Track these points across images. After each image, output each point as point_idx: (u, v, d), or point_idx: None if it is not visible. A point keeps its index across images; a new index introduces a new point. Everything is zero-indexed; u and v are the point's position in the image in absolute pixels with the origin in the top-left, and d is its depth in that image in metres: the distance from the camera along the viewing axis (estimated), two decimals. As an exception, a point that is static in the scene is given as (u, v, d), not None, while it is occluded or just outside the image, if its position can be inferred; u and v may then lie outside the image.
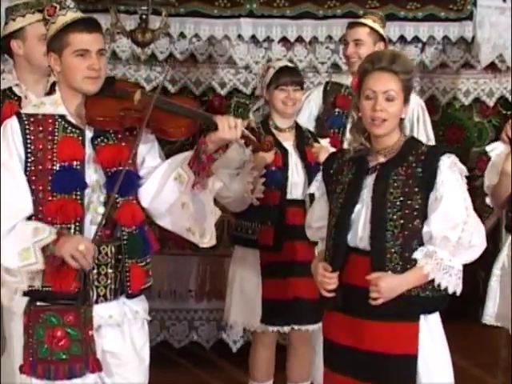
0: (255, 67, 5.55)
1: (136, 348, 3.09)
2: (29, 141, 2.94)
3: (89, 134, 3.00)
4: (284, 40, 5.54)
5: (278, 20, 5.48)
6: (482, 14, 5.50)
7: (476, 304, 5.62)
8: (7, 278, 2.93)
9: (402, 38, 5.51)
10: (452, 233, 2.88)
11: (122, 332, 3.06)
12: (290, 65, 4.15)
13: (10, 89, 3.68)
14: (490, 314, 4.12)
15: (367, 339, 2.90)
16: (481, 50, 5.52)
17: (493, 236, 5.11)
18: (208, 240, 3.09)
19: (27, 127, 2.95)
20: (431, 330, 2.95)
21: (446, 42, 5.60)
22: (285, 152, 4.02)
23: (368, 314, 2.89)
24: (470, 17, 5.52)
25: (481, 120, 5.77)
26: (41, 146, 2.94)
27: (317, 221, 3.18)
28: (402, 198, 2.89)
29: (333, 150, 3.85)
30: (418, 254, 2.89)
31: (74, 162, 2.94)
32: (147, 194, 3.07)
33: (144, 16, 4.95)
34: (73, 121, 2.99)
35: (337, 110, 4.49)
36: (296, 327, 4.05)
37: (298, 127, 4.14)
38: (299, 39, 5.54)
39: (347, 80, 4.58)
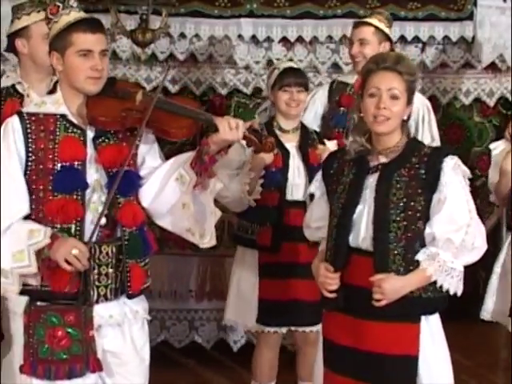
0: (255, 67, 5.55)
1: (136, 347, 3.09)
2: (30, 140, 2.93)
3: (90, 133, 2.99)
4: (284, 40, 5.54)
5: (278, 20, 5.49)
6: (482, 13, 5.51)
7: (476, 304, 5.64)
8: (1, 279, 2.90)
9: (402, 38, 5.51)
10: (455, 235, 2.88)
11: (123, 332, 3.05)
12: (294, 66, 4.14)
13: (13, 86, 3.68)
14: (488, 310, 4.15)
15: (368, 340, 2.90)
16: (481, 49, 5.53)
17: (493, 236, 5.12)
18: (208, 240, 3.09)
19: (28, 126, 2.94)
20: (432, 330, 2.95)
21: (447, 41, 5.60)
22: (286, 153, 4.02)
23: (369, 315, 2.89)
24: (471, 17, 5.53)
25: (481, 120, 5.77)
26: (42, 146, 2.93)
27: (316, 221, 3.17)
28: (405, 200, 2.89)
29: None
30: (420, 256, 2.89)
31: (76, 162, 2.94)
32: (148, 194, 3.07)
33: (144, 16, 4.96)
34: (74, 120, 2.98)
35: (341, 109, 4.49)
36: (294, 329, 4.05)
37: (303, 128, 4.13)
38: (299, 39, 5.54)
39: (352, 79, 4.57)
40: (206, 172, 2.96)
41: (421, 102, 4.44)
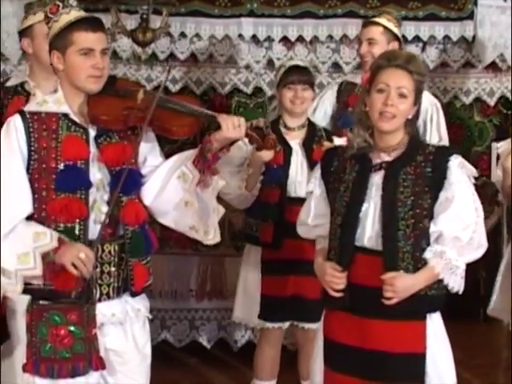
0: (256, 67, 5.56)
1: (138, 346, 3.08)
2: (32, 139, 2.92)
3: (92, 132, 2.99)
4: (285, 39, 5.55)
5: (278, 19, 5.50)
6: (482, 13, 5.51)
7: (477, 303, 5.65)
8: (1, 279, 2.89)
9: (402, 38, 5.49)
10: (463, 233, 2.89)
11: (125, 330, 3.05)
12: (300, 64, 4.13)
13: (22, 85, 3.68)
14: (492, 306, 4.18)
15: (375, 338, 2.89)
16: (482, 49, 5.53)
17: (493, 235, 5.12)
18: (212, 237, 3.10)
19: (31, 125, 2.93)
20: (435, 328, 2.95)
21: (447, 41, 5.61)
22: (289, 150, 4.02)
23: (375, 314, 2.88)
24: (471, 16, 5.53)
25: (481, 119, 5.77)
26: (45, 145, 2.92)
27: (314, 219, 3.14)
28: (412, 198, 2.89)
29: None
30: (428, 254, 2.89)
31: (79, 161, 2.93)
32: (150, 193, 3.07)
33: (145, 15, 4.96)
34: (76, 119, 2.97)
35: (349, 109, 4.48)
36: (296, 324, 4.05)
37: (310, 125, 4.13)
38: (300, 39, 5.55)
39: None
40: (209, 169, 2.97)
41: (429, 102, 4.45)
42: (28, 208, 2.91)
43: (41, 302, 2.92)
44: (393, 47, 4.38)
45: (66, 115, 2.97)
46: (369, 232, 2.92)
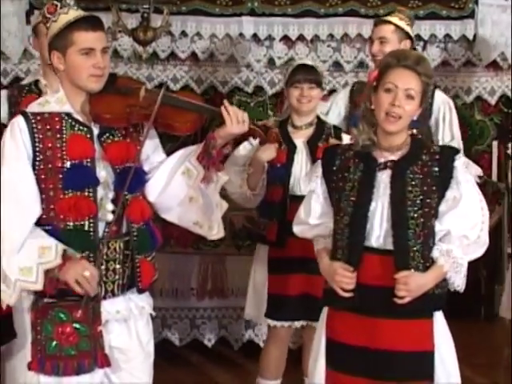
0: (257, 66, 5.56)
1: (142, 343, 3.09)
2: (37, 139, 2.91)
3: (95, 131, 2.99)
4: (285, 38, 5.55)
5: (279, 18, 5.50)
6: (483, 12, 5.51)
7: (478, 302, 5.65)
8: (1, 285, 2.86)
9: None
10: (471, 232, 2.91)
11: (128, 327, 3.06)
12: (308, 63, 4.13)
13: (35, 83, 3.68)
14: (503, 307, 4.19)
15: (383, 338, 2.89)
16: (482, 48, 5.53)
17: (494, 235, 5.13)
18: (216, 232, 3.12)
19: (34, 126, 2.92)
20: (440, 326, 2.97)
21: (448, 40, 5.61)
22: (293, 148, 4.02)
23: (384, 313, 2.88)
24: (472, 15, 5.53)
25: (482, 118, 5.77)
26: (50, 145, 2.91)
27: (316, 218, 3.13)
28: (421, 197, 2.89)
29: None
30: (435, 253, 2.90)
31: (84, 160, 2.93)
32: (154, 189, 3.08)
33: (145, 14, 4.96)
34: (79, 118, 2.97)
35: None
36: (306, 323, 4.04)
37: (319, 123, 4.12)
38: (301, 37, 5.55)
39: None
40: (213, 166, 2.99)
41: (442, 101, 4.44)
42: (37, 210, 2.90)
43: (45, 299, 2.91)
44: (404, 46, 4.36)
45: (69, 114, 2.96)
46: (377, 231, 2.91)
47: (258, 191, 3.98)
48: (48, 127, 2.93)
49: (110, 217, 2.95)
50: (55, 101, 2.99)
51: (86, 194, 2.91)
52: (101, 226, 2.94)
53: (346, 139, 4.02)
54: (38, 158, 2.91)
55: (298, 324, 4.07)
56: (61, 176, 2.90)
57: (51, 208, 2.91)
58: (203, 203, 3.05)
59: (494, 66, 5.65)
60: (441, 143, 4.33)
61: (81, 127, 2.96)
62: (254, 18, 5.48)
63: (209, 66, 5.56)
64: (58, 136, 2.93)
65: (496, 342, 5.35)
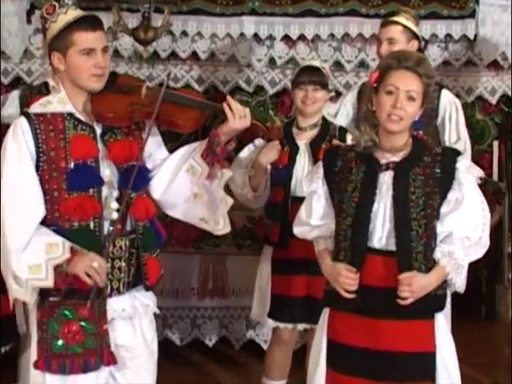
0: (257, 65, 5.56)
1: (147, 341, 3.10)
2: (40, 140, 2.91)
3: (98, 130, 2.99)
4: (286, 38, 5.54)
5: (280, 18, 5.49)
6: (484, 11, 5.50)
7: (479, 301, 5.66)
8: (13, 286, 2.87)
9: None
10: (473, 233, 2.92)
11: (133, 325, 3.06)
12: (314, 64, 4.14)
13: (45, 84, 3.68)
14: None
15: (385, 339, 2.89)
16: (483, 47, 5.53)
17: (495, 235, 5.13)
18: (222, 227, 3.12)
19: (37, 127, 2.91)
20: (441, 327, 2.97)
21: (449, 39, 5.60)
22: (295, 149, 4.02)
23: (386, 314, 2.89)
24: (473, 14, 5.52)
25: (483, 118, 5.77)
26: (53, 145, 2.91)
27: (317, 219, 3.12)
28: (424, 198, 2.89)
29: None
30: (437, 254, 2.91)
31: (88, 160, 2.93)
32: (158, 187, 3.09)
33: (146, 14, 4.96)
34: (82, 118, 2.97)
35: None
36: (309, 326, 4.03)
37: (324, 125, 4.12)
38: (301, 37, 5.54)
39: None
40: (218, 163, 3.00)
41: (449, 101, 4.44)
42: (41, 211, 2.90)
43: (51, 298, 2.91)
44: (412, 46, 4.34)
45: (71, 114, 2.96)
46: (379, 232, 2.91)
47: (261, 192, 3.99)
48: (51, 128, 2.93)
49: (115, 215, 2.96)
50: (57, 101, 2.98)
51: (91, 193, 2.92)
52: (106, 225, 2.95)
53: (350, 141, 4.03)
54: (41, 159, 2.91)
55: (300, 327, 4.06)
56: (65, 177, 2.91)
57: (56, 208, 2.91)
58: (208, 199, 3.06)
59: (494, 65, 5.65)
60: (447, 143, 4.34)
61: (83, 127, 2.96)
62: (254, 18, 5.48)
63: (210, 65, 5.56)
64: (61, 136, 2.93)
65: (496, 342, 5.36)
